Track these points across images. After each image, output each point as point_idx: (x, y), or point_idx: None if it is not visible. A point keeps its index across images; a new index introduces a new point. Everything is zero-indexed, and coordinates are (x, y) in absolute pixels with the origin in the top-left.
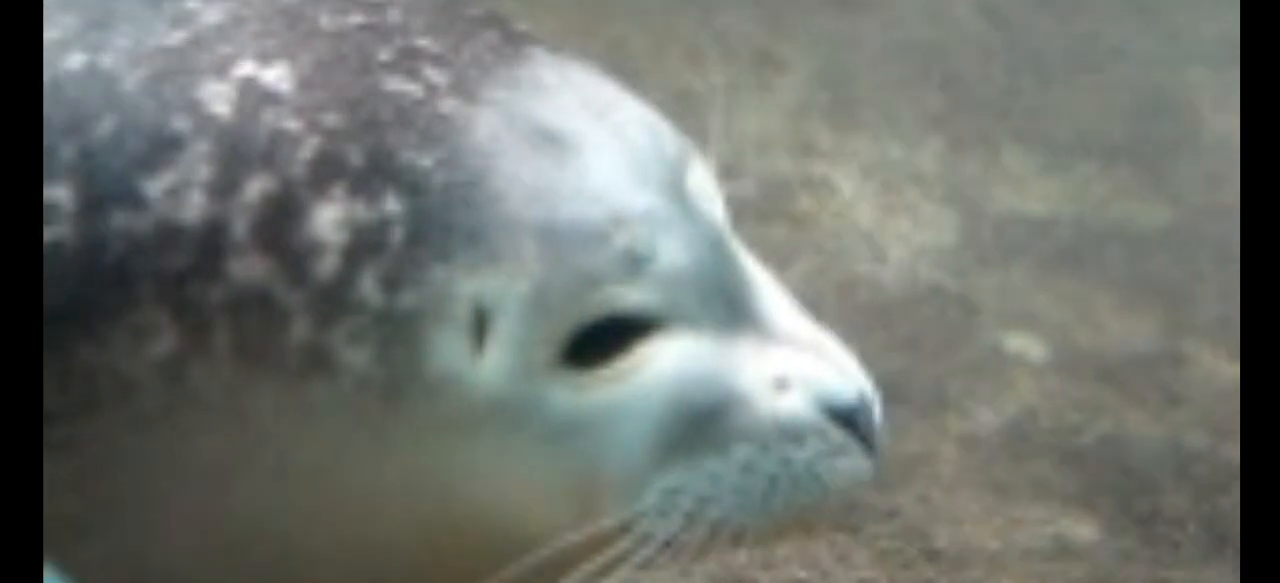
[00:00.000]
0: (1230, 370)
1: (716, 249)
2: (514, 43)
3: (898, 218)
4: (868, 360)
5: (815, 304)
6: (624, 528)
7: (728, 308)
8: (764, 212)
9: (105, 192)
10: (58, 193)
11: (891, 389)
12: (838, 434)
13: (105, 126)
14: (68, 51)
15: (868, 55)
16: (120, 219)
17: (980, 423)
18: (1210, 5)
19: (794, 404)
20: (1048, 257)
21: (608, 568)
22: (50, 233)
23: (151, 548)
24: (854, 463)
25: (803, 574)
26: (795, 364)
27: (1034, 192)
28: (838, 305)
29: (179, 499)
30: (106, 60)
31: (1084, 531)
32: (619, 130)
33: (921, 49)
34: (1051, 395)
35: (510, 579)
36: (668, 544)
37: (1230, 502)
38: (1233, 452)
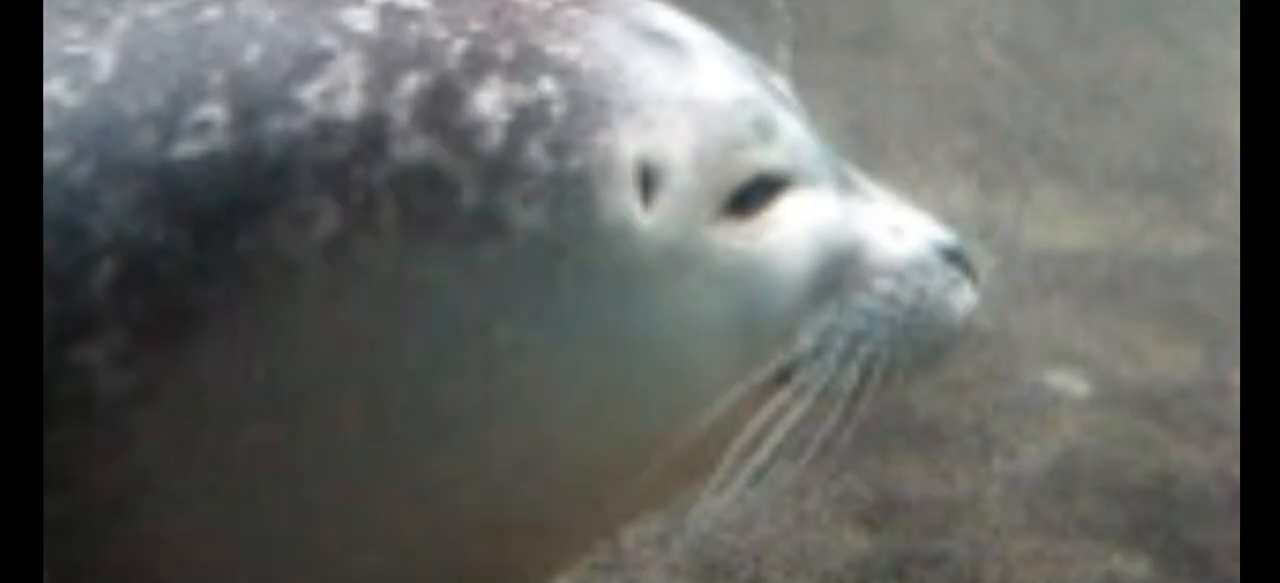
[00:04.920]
0: None
1: (815, 130)
2: None
3: None
4: (909, 404)
5: None
6: (783, 379)
7: (836, 174)
8: None
9: (258, 103)
10: (209, 111)
11: (934, 432)
12: (952, 269)
13: (252, 53)
14: (202, 8)
15: (894, 97)
16: (276, 123)
17: (1025, 462)
18: (1235, 30)
19: (914, 244)
20: (1085, 291)
21: (768, 426)
22: (205, 145)
23: (314, 427)
24: (968, 294)
25: None
26: (902, 215)
27: (1068, 227)
28: None
29: (342, 378)
30: (242, 7)
31: (1136, 568)
32: (711, 40)
33: (947, 89)
34: (1096, 431)
35: (678, 452)
36: (824, 393)
37: None
38: None
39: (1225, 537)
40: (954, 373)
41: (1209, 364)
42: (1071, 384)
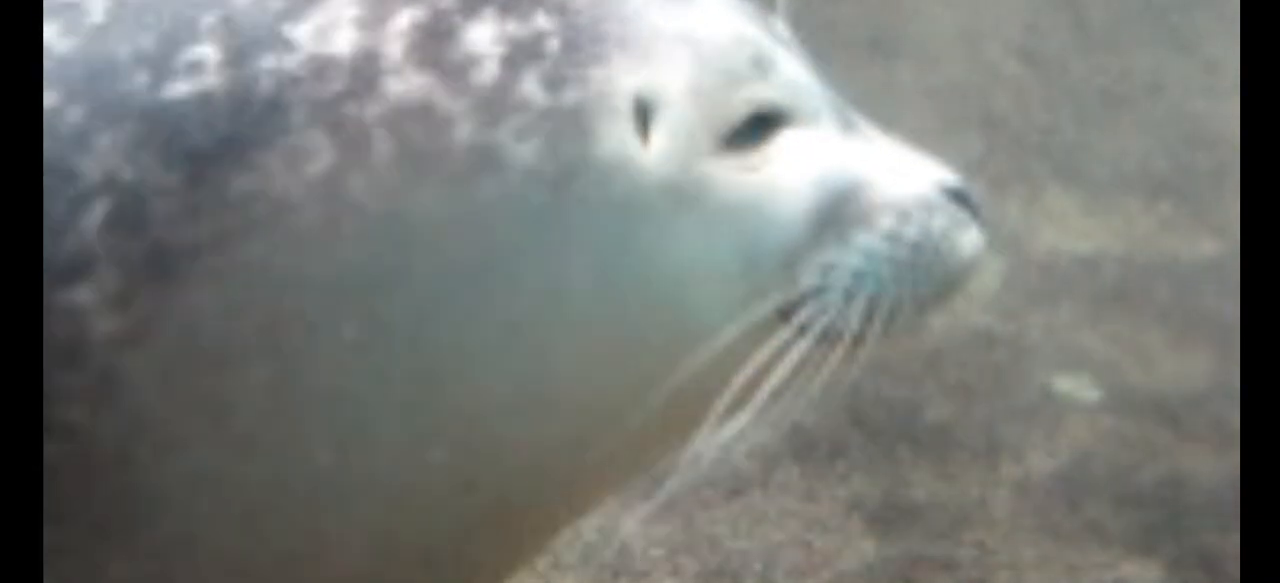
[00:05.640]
0: None
1: (816, 71)
2: None
3: None
4: (918, 408)
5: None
6: (784, 318)
7: (838, 115)
8: None
9: (250, 41)
10: (201, 51)
11: (943, 436)
12: (956, 209)
13: None
14: None
15: (904, 99)
16: (269, 61)
17: (1034, 468)
18: None
19: (917, 183)
20: (1095, 295)
21: (768, 366)
22: (197, 84)
23: (309, 370)
24: (974, 234)
25: None
26: (904, 156)
27: (1078, 230)
28: (885, 353)
29: (337, 318)
30: None
31: (1146, 574)
32: None
33: (957, 91)
34: (1105, 436)
35: (675, 393)
36: (826, 333)
37: None
38: None
39: (1235, 543)
40: (963, 377)
41: (1219, 369)
42: (1081, 389)
